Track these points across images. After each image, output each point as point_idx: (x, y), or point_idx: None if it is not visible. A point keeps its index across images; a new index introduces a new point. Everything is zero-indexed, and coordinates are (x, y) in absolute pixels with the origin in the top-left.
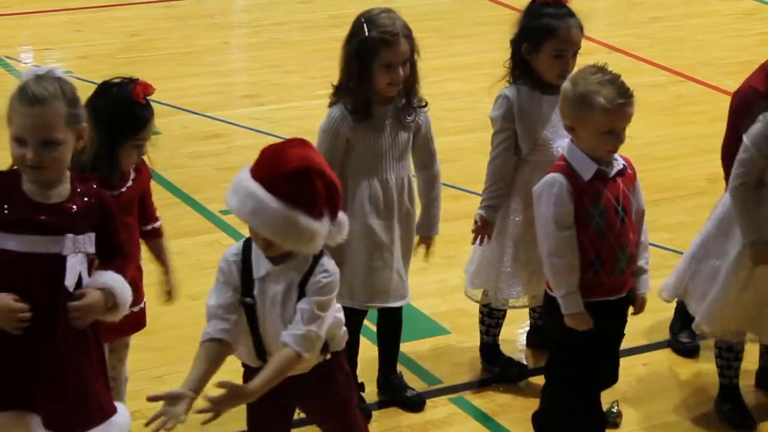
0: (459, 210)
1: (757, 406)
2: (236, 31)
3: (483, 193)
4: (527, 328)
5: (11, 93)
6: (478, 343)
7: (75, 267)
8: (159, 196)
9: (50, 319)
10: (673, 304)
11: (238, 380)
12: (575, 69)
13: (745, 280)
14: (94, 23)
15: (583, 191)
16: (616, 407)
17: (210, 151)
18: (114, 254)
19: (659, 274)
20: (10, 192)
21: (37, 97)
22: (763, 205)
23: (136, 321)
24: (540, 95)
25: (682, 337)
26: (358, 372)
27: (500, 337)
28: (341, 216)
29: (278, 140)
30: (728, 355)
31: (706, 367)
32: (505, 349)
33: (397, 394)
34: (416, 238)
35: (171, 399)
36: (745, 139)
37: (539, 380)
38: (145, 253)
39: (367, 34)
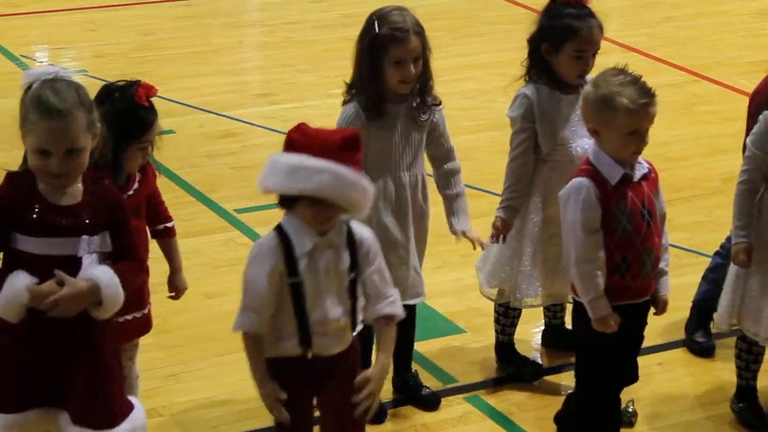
0: (473, 209)
1: None
2: (250, 30)
3: (502, 193)
4: (542, 327)
5: (26, 99)
6: (493, 342)
7: (90, 267)
8: (174, 194)
9: (68, 319)
10: (689, 303)
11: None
12: (595, 71)
13: None
14: (108, 22)
15: (610, 195)
16: (631, 407)
17: (225, 150)
18: (123, 256)
19: (675, 273)
20: (29, 193)
21: (59, 110)
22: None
23: (144, 324)
24: (560, 95)
25: (698, 336)
26: None
27: (515, 337)
28: None
29: None
30: (748, 357)
31: (722, 366)
32: (520, 348)
33: (412, 393)
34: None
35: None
36: (748, 140)
37: (554, 379)
38: (150, 254)
39: (377, 30)
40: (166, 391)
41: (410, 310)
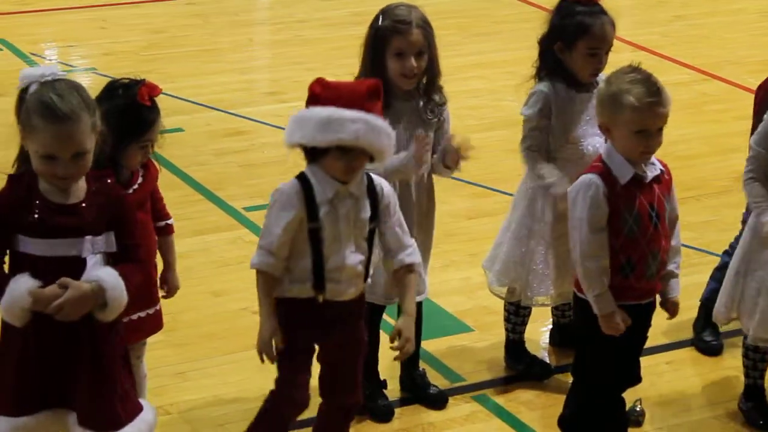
0: (481, 208)
1: None
2: (259, 28)
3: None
4: (550, 326)
5: (28, 102)
6: (501, 340)
7: (94, 268)
8: (182, 192)
9: (72, 320)
10: (697, 302)
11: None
12: (607, 69)
13: None
14: (118, 20)
15: (618, 195)
16: (639, 406)
17: (233, 148)
18: (125, 256)
19: (683, 273)
20: (28, 194)
21: (65, 114)
22: None
23: (155, 323)
24: (574, 92)
25: (706, 335)
26: (380, 369)
27: (524, 335)
28: None
29: None
30: (755, 356)
31: (730, 365)
32: (529, 347)
33: (419, 392)
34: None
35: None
36: (751, 140)
37: (562, 378)
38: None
39: (380, 23)
40: (174, 389)
41: (417, 308)
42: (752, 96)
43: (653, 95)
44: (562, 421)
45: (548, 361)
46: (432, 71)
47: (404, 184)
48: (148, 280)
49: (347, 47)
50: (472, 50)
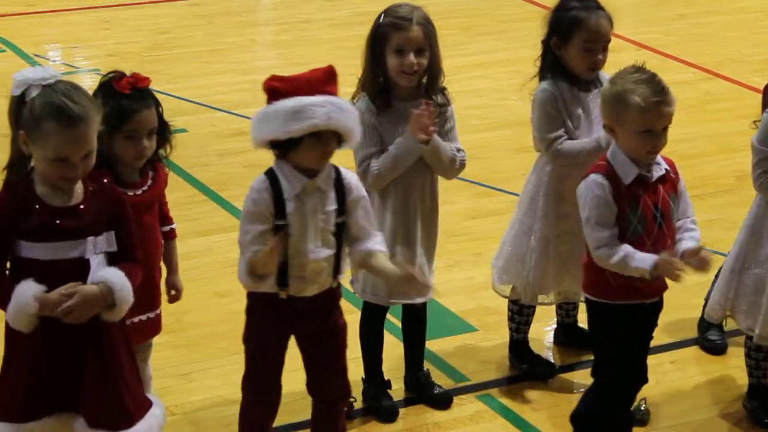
0: (485, 207)
1: None
2: (263, 28)
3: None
4: (554, 326)
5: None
6: (505, 340)
7: (98, 269)
8: (186, 193)
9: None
10: (701, 302)
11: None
12: (610, 69)
13: None
14: (122, 21)
15: (623, 195)
16: (644, 405)
17: (237, 149)
18: (125, 256)
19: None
20: (26, 199)
21: (81, 116)
22: None
23: (156, 324)
24: (577, 91)
25: (710, 334)
26: (384, 369)
27: (528, 335)
28: None
29: None
30: (757, 355)
31: (734, 364)
32: (533, 346)
33: (424, 392)
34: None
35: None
36: (754, 139)
37: (567, 378)
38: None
39: (381, 20)
40: (179, 389)
41: (421, 309)
42: (756, 95)
43: (659, 95)
44: (575, 418)
45: (553, 361)
46: (433, 70)
47: (406, 184)
48: (151, 281)
49: (351, 47)
50: (477, 50)
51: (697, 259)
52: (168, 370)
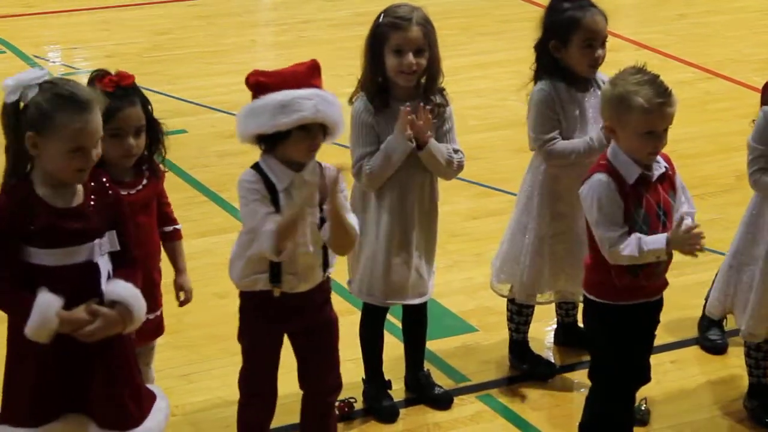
0: (485, 208)
1: None
2: (263, 29)
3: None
4: (554, 326)
5: (42, 104)
6: (505, 340)
7: (105, 269)
8: (186, 194)
9: None
10: (701, 301)
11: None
12: (610, 69)
13: None
14: (121, 22)
15: (627, 194)
16: (644, 405)
17: (237, 150)
18: (123, 256)
19: (688, 271)
20: (27, 201)
21: (89, 101)
22: None
23: (157, 326)
24: (575, 91)
25: (711, 334)
26: (384, 370)
27: (528, 335)
28: None
29: None
30: (756, 355)
31: (735, 364)
32: (533, 346)
33: (424, 392)
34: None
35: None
36: (749, 138)
37: (567, 378)
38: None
39: (380, 20)
40: (179, 390)
41: (421, 309)
42: (756, 94)
43: (662, 96)
44: (583, 427)
45: (553, 361)
46: (432, 71)
47: (404, 184)
48: (150, 283)
49: (351, 48)
50: (476, 50)
51: (689, 236)
52: (168, 371)
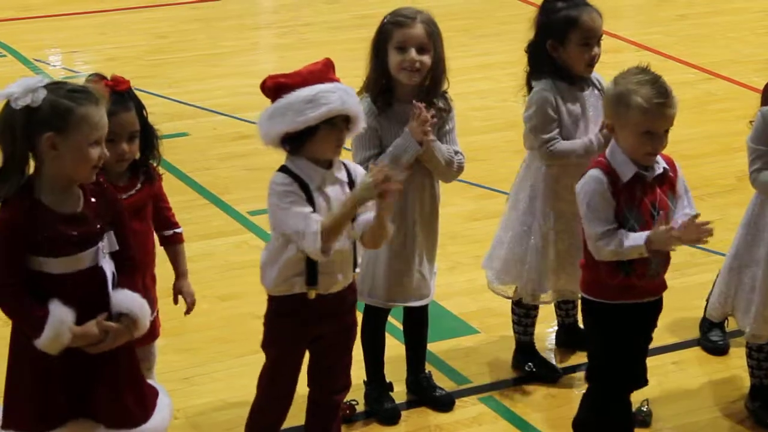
0: (486, 209)
1: None
2: (264, 32)
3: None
4: (556, 327)
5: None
6: (507, 342)
7: (109, 271)
8: (187, 197)
9: None
10: (702, 302)
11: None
12: (611, 69)
13: None
14: (121, 25)
15: (620, 192)
16: (646, 406)
17: (238, 153)
18: (122, 256)
19: (689, 272)
20: (32, 211)
21: (101, 97)
22: None
23: (153, 330)
24: (575, 90)
25: (712, 335)
26: (386, 371)
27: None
28: None
29: None
30: (758, 356)
31: (736, 365)
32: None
33: (426, 394)
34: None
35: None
36: (747, 139)
37: (569, 379)
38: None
39: (385, 21)
40: (181, 393)
41: (422, 311)
42: (757, 95)
43: (661, 96)
44: (575, 424)
45: (554, 362)
46: (436, 72)
47: (405, 185)
48: (144, 287)
49: (352, 50)
50: (478, 51)
51: (693, 228)
52: (170, 374)
